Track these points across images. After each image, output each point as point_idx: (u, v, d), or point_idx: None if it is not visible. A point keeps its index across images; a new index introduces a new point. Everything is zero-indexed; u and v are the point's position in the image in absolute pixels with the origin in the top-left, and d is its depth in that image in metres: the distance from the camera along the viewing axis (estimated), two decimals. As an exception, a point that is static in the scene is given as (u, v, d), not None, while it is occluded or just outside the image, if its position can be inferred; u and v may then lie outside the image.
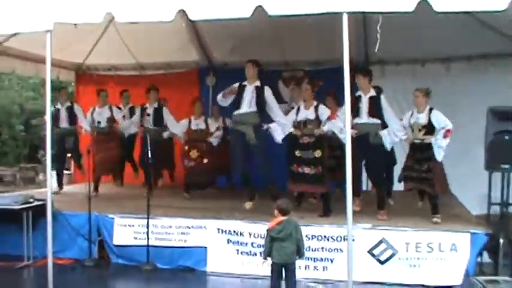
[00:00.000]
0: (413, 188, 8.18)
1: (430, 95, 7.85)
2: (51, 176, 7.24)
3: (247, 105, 8.56)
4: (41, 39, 6.95)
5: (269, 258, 6.08)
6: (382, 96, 8.21)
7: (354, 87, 6.16)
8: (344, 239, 6.96)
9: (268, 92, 8.58)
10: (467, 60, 10.91)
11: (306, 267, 7.17)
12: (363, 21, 9.19)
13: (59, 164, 10.70)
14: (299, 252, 6.02)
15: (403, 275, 7.03)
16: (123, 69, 13.19)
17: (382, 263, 7.10)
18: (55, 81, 12.69)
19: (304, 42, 10.43)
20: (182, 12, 6.27)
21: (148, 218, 7.78)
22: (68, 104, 10.78)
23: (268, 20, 6.24)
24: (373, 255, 7.11)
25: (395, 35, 7.19)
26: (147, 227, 7.78)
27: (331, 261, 7.22)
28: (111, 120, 10.51)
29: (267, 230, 6.15)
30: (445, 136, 7.55)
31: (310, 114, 8.32)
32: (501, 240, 6.75)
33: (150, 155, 8.43)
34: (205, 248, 7.69)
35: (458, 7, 5.74)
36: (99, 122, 10.47)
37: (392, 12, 5.81)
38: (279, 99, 10.20)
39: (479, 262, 7.05)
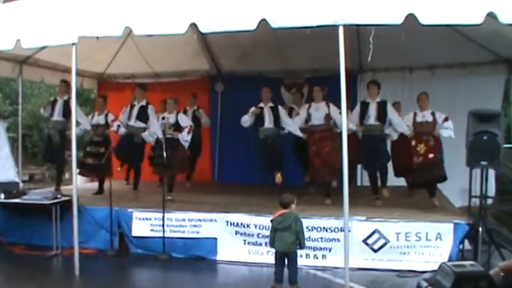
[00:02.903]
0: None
1: (178, 102, 9.95)
2: (76, 174, 7.27)
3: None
4: (66, 51, 6.96)
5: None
6: (150, 106, 9.56)
7: (350, 93, 6.13)
8: (341, 230, 6.92)
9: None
10: (449, 68, 10.87)
11: (306, 256, 7.12)
12: (356, 33, 9.14)
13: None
14: (300, 243, 5.97)
15: (395, 261, 7.02)
16: (141, 78, 13.06)
17: (375, 251, 7.07)
18: (79, 89, 12.66)
19: (303, 52, 10.40)
20: (194, 26, 6.27)
21: (163, 212, 7.75)
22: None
23: (271, 31, 6.21)
24: (367, 244, 7.09)
25: (386, 45, 7.14)
26: (163, 220, 7.75)
27: (330, 250, 7.19)
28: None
29: (271, 221, 6.13)
30: (188, 132, 9.25)
31: (101, 119, 9.88)
32: (480, 229, 6.74)
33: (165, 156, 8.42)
34: (216, 238, 7.66)
35: (441, 20, 5.79)
36: None
37: (383, 24, 5.81)
38: (281, 103, 10.30)
39: (460, 249, 7.03)
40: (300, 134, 9.10)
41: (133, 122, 9.56)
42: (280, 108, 9.33)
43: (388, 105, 8.68)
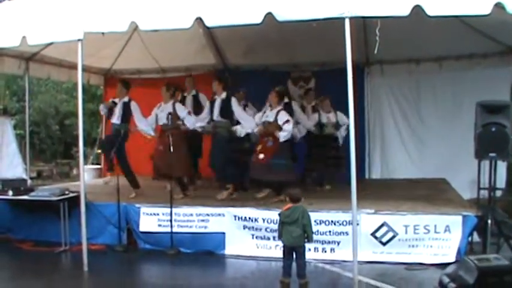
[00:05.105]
0: None
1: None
2: (83, 171, 7.28)
3: None
4: (72, 47, 6.97)
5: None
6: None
7: (357, 87, 6.09)
8: (349, 223, 6.90)
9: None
10: (456, 60, 10.80)
11: (315, 249, 7.11)
12: (363, 25, 9.10)
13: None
14: (307, 237, 5.94)
15: (403, 254, 6.98)
16: (147, 73, 13.10)
17: (384, 244, 7.04)
18: (85, 85, 12.70)
19: (310, 45, 10.37)
20: (199, 20, 6.26)
21: (171, 207, 7.76)
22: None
23: (277, 25, 6.19)
24: (375, 237, 7.06)
25: (393, 37, 7.11)
26: (171, 215, 7.75)
27: (338, 244, 7.17)
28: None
29: (279, 214, 6.11)
30: None
31: None
32: (489, 222, 6.72)
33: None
34: (224, 233, 7.66)
35: (448, 12, 5.75)
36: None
37: (390, 16, 5.78)
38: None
39: (469, 241, 7.01)
40: (152, 133, 9.08)
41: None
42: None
43: (233, 100, 8.62)
